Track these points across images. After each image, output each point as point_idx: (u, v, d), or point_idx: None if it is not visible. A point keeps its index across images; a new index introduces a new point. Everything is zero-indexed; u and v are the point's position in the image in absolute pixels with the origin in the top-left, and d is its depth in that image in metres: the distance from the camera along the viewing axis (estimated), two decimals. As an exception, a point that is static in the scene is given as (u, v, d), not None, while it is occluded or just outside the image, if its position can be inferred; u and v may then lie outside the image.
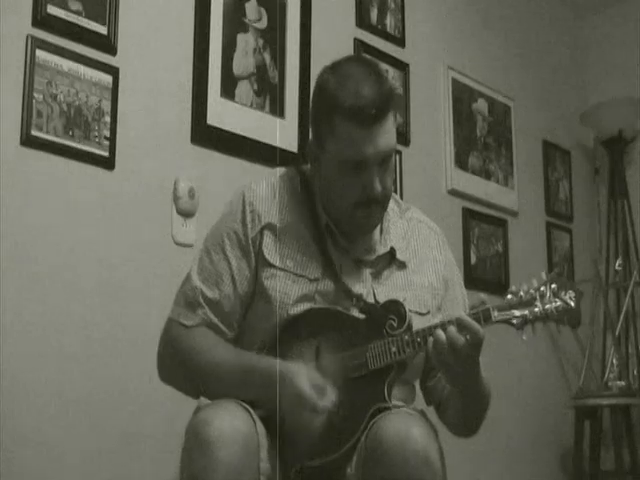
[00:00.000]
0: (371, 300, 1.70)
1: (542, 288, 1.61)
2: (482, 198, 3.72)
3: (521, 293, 1.61)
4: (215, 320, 1.69)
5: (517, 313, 1.60)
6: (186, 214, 2.59)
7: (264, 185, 1.77)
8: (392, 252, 1.77)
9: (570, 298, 1.61)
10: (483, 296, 1.62)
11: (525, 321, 1.59)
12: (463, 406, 1.71)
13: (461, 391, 1.67)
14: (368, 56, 3.23)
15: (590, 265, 4.14)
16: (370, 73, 1.66)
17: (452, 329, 1.55)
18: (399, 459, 1.45)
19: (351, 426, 1.57)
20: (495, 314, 1.59)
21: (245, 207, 1.73)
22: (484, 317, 1.59)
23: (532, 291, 1.61)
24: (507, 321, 1.60)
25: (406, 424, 1.50)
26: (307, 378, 1.55)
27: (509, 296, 1.61)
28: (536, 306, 1.60)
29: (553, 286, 1.61)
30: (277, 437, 1.57)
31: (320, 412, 1.54)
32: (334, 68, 1.70)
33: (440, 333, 1.55)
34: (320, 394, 1.54)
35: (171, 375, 1.73)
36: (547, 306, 1.60)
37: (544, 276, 1.63)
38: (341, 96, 1.62)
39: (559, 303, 1.60)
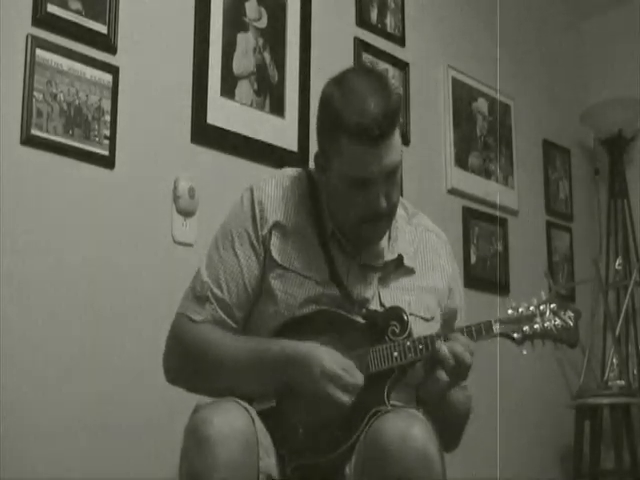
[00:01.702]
0: (376, 303, 1.71)
1: (542, 306, 1.67)
2: (482, 197, 3.72)
3: (521, 309, 1.67)
4: (223, 315, 1.69)
5: (517, 328, 1.65)
6: (186, 214, 2.59)
7: (273, 184, 1.77)
8: (400, 258, 1.77)
9: (569, 318, 1.66)
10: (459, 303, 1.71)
11: (525, 337, 1.65)
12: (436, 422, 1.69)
13: (431, 409, 1.67)
14: (368, 55, 3.24)
15: (590, 265, 4.14)
16: (376, 86, 1.64)
17: (457, 346, 1.58)
18: (399, 458, 1.45)
19: (350, 426, 1.58)
20: (496, 327, 1.64)
21: (254, 205, 1.73)
22: (485, 329, 1.64)
23: (532, 308, 1.67)
24: (508, 335, 1.65)
25: (406, 423, 1.50)
26: (332, 358, 1.56)
27: (510, 311, 1.67)
28: (536, 323, 1.66)
29: (552, 305, 1.68)
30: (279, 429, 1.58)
31: (354, 391, 1.55)
32: (339, 82, 1.67)
33: (444, 348, 1.58)
34: (349, 373, 1.56)
35: (179, 373, 1.73)
36: (546, 324, 1.67)
37: (544, 295, 1.69)
38: (346, 115, 1.60)
39: (558, 322, 1.66)
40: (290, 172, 1.82)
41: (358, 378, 1.56)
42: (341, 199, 1.69)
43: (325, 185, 1.74)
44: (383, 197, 1.64)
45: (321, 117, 1.70)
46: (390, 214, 1.71)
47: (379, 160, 1.62)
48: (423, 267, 1.80)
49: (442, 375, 1.60)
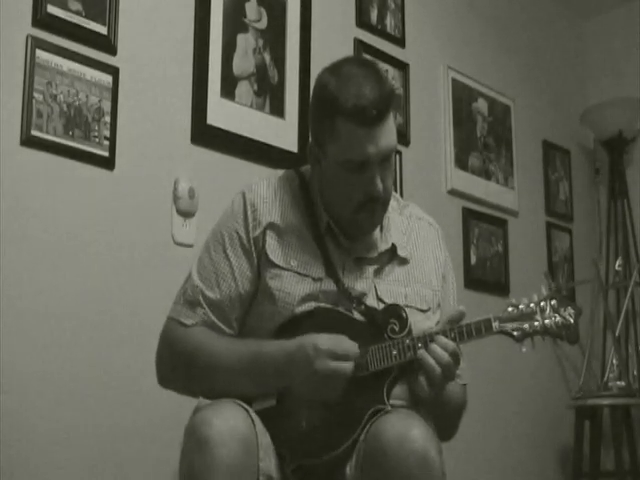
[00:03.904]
0: (373, 297, 1.71)
1: (542, 303, 1.66)
2: (482, 198, 3.72)
3: (521, 306, 1.66)
4: (215, 319, 1.69)
5: (517, 325, 1.64)
6: (186, 214, 2.59)
7: (265, 186, 1.77)
8: (393, 248, 1.78)
9: (569, 315, 1.66)
10: (462, 307, 1.67)
11: (525, 334, 1.64)
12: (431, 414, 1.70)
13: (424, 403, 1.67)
14: (368, 56, 3.23)
15: (590, 265, 4.14)
16: (370, 73, 1.66)
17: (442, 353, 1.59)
18: (398, 459, 1.45)
19: (350, 425, 1.58)
20: (496, 325, 1.64)
21: (246, 207, 1.73)
22: (485, 327, 1.63)
23: (532, 305, 1.66)
24: (507, 333, 1.64)
25: (406, 424, 1.50)
26: (322, 337, 1.58)
27: (510, 308, 1.66)
28: (536, 320, 1.65)
29: (553, 302, 1.66)
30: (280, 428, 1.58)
31: (352, 357, 1.57)
32: (334, 69, 1.70)
33: (427, 356, 1.59)
34: (342, 345, 1.58)
35: (171, 377, 1.73)
36: (547, 321, 1.65)
37: (544, 291, 1.68)
38: (343, 97, 1.62)
39: (558, 319, 1.66)
40: (280, 173, 1.83)
41: (353, 344, 1.59)
42: (337, 186, 1.70)
43: (319, 176, 1.75)
44: (379, 180, 1.66)
45: (316, 103, 1.71)
46: (385, 199, 1.72)
47: (376, 142, 1.63)
48: (417, 257, 1.81)
49: (423, 381, 1.61)
